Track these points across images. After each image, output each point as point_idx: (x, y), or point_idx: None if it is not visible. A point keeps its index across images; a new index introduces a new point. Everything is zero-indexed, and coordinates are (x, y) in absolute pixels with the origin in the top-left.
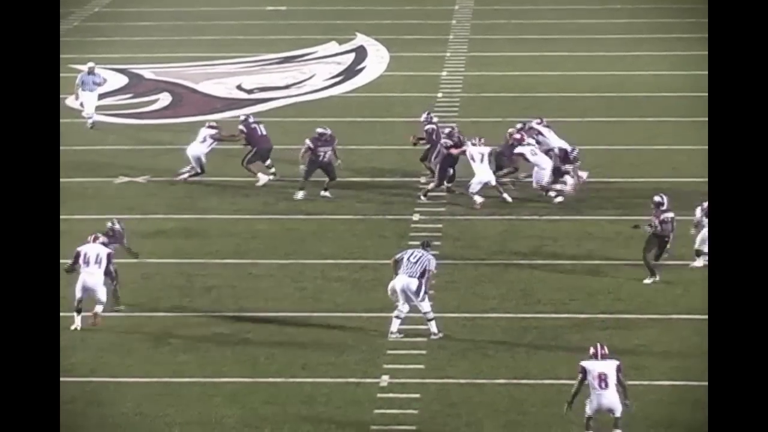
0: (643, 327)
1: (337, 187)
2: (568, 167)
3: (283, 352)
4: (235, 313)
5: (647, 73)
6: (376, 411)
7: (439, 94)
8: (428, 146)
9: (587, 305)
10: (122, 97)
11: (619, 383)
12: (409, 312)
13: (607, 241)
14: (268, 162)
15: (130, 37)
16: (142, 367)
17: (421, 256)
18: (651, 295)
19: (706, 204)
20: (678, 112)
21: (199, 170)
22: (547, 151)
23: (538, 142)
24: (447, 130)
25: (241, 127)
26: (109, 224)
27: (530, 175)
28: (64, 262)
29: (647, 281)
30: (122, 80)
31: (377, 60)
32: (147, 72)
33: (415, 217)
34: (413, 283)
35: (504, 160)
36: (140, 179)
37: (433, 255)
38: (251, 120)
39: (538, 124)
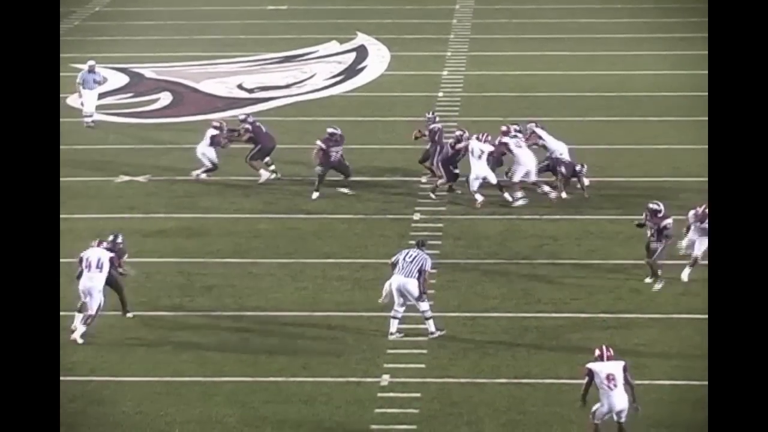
0: (643, 326)
1: (336, 187)
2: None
3: (284, 352)
4: (235, 312)
5: (648, 72)
6: (377, 410)
7: (440, 94)
8: (428, 146)
9: (588, 305)
10: (123, 96)
11: (627, 383)
12: (410, 311)
13: (608, 241)
14: (267, 159)
15: (130, 37)
16: (142, 367)
17: (416, 256)
18: (651, 294)
19: (699, 209)
20: (678, 111)
21: (210, 166)
22: (550, 156)
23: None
24: (457, 133)
25: (246, 126)
26: (112, 237)
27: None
28: (65, 261)
29: (648, 280)
30: (123, 79)
31: (378, 59)
32: (148, 71)
33: (416, 216)
34: (410, 283)
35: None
36: (141, 178)
37: (429, 254)
38: (251, 120)
39: (536, 127)
